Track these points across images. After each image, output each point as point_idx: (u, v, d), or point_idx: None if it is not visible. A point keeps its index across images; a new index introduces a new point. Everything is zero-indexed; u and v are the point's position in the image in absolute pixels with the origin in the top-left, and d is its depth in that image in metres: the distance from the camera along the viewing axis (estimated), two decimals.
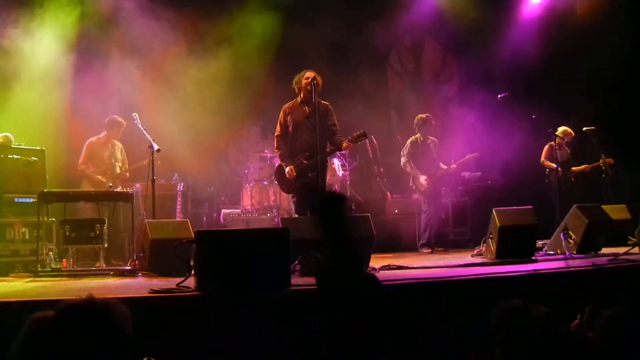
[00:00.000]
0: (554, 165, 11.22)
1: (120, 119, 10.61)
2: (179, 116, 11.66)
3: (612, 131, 12.16)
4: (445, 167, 11.65)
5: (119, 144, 10.81)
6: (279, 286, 5.68)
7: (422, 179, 11.44)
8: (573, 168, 11.86)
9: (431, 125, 11.56)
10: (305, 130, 8.80)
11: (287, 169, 8.80)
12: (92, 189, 10.16)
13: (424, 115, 11.59)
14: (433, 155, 11.58)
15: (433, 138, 11.69)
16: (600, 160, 11.72)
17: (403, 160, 11.63)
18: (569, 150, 11.90)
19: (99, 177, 10.46)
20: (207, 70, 11.92)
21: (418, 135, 11.58)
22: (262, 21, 12.85)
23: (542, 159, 11.79)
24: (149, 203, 9.23)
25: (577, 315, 3.83)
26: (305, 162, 8.69)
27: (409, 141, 11.66)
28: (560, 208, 10.09)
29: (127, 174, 10.79)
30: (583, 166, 11.91)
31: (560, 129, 11.47)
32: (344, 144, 8.70)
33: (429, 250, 11.18)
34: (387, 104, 15.03)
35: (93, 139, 10.68)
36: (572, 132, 11.70)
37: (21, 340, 2.70)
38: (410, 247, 11.86)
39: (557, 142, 10.89)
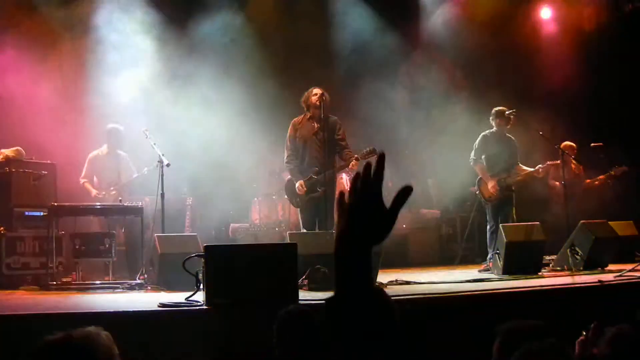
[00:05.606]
0: (557, 183, 11.19)
1: (117, 126, 10.22)
2: (187, 130, 11.67)
3: (621, 147, 12.14)
4: (528, 169, 10.22)
5: (124, 155, 10.35)
6: (287, 300, 5.72)
7: (491, 184, 10.02)
8: (587, 180, 11.83)
9: (507, 119, 10.07)
10: (314, 146, 8.84)
11: (297, 184, 8.83)
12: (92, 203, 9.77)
13: (499, 108, 10.20)
14: (505, 156, 10.16)
15: (510, 136, 10.28)
16: (613, 170, 11.62)
17: (472, 157, 10.27)
18: (574, 166, 11.82)
19: (95, 191, 9.96)
20: (216, 85, 11.98)
21: (494, 129, 10.21)
22: (271, 36, 12.99)
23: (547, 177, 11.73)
24: (157, 217, 9.27)
25: (582, 331, 3.85)
26: (315, 177, 8.71)
27: (481, 135, 10.32)
28: (567, 225, 10.05)
29: (134, 177, 10.17)
30: (599, 177, 11.82)
31: (563, 144, 11.36)
32: (354, 161, 8.59)
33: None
34: (396, 119, 15.03)
35: (94, 152, 10.26)
36: (574, 146, 11.52)
37: None
38: (418, 262, 11.87)
39: (562, 158, 10.80)
